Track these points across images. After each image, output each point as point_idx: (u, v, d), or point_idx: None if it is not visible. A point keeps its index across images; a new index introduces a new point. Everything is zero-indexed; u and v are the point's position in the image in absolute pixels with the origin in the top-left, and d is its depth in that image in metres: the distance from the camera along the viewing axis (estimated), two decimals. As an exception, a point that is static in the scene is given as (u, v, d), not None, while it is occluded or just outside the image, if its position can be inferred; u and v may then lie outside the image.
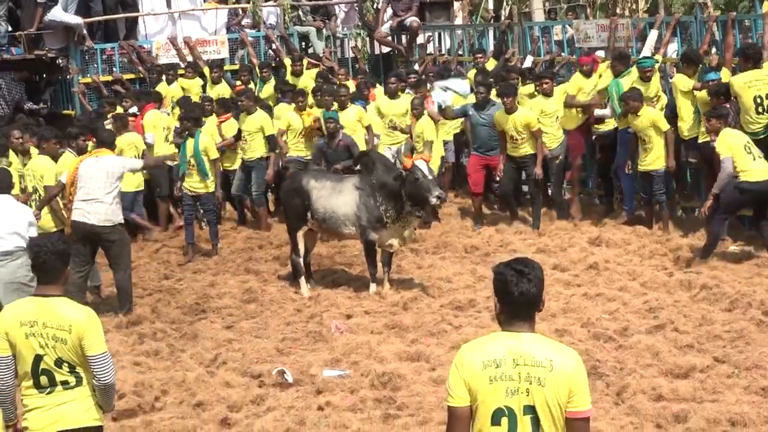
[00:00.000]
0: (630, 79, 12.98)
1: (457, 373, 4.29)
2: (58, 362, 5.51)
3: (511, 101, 13.06)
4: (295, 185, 11.35)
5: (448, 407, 4.34)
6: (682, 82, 12.54)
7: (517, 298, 4.28)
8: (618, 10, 22.67)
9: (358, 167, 11.39)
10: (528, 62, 15.71)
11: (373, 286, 11.02)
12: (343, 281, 11.63)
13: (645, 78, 12.95)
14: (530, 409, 4.23)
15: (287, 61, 16.22)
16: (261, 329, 10.14)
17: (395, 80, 14.56)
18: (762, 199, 11.12)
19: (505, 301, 4.31)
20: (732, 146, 11.02)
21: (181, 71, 15.90)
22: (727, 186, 11.04)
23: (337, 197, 11.03)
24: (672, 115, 12.67)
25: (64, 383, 5.56)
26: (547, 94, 13.62)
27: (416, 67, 17.02)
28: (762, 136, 11.57)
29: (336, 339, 9.58)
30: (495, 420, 4.25)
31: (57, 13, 15.91)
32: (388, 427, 7.49)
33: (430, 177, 10.55)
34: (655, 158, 12.44)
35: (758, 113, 11.62)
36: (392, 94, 14.45)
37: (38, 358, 5.49)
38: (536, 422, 4.24)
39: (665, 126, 12.38)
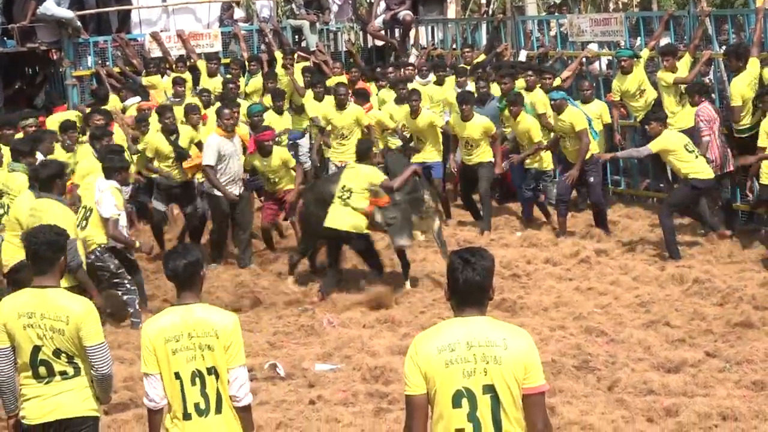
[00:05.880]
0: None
1: (412, 362, 4.41)
2: (57, 353, 5.52)
3: (469, 109, 12.98)
4: (318, 195, 11.19)
5: (405, 396, 4.44)
6: (665, 77, 12.66)
7: (462, 285, 4.43)
8: (611, 5, 22.66)
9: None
10: (522, 56, 15.71)
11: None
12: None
13: (624, 71, 13.05)
14: (490, 389, 4.34)
15: (278, 54, 16.20)
16: (253, 323, 10.13)
17: (344, 90, 13.96)
18: (706, 194, 11.71)
19: (453, 287, 4.48)
20: (672, 147, 11.27)
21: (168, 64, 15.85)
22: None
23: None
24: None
25: (63, 373, 5.56)
26: (547, 90, 13.64)
27: (411, 60, 16.97)
28: (747, 134, 11.64)
29: (328, 333, 9.60)
30: (456, 402, 4.35)
31: (49, 7, 15.86)
32: (379, 420, 7.49)
33: None
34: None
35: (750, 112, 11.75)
36: (341, 105, 13.77)
37: (37, 349, 5.50)
38: (496, 401, 4.34)
39: (537, 137, 12.87)
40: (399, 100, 14.02)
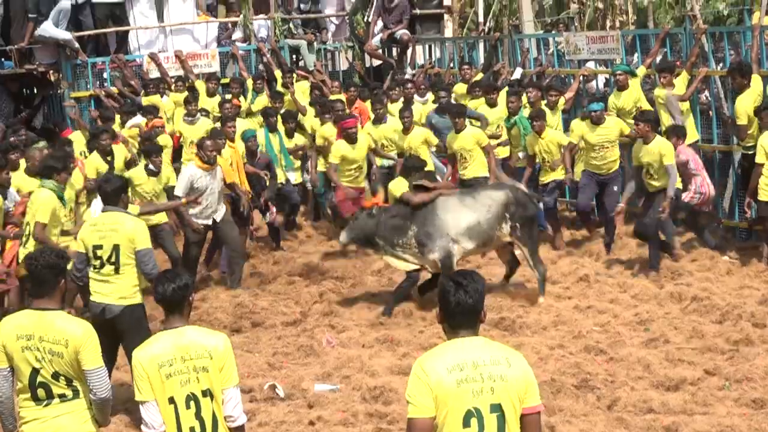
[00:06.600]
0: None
1: (421, 383, 4.39)
2: (55, 375, 5.54)
3: (462, 121, 12.97)
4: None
5: (409, 420, 4.40)
6: (662, 94, 12.68)
7: (454, 308, 4.47)
8: (608, 23, 22.73)
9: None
10: (517, 74, 15.75)
11: None
12: (334, 295, 11.61)
13: (620, 87, 13.09)
14: (497, 407, 4.36)
15: (278, 73, 16.25)
16: (252, 344, 10.12)
17: (341, 107, 13.99)
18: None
19: (445, 310, 4.51)
20: (667, 152, 11.40)
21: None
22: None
23: None
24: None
25: (62, 396, 5.58)
26: (552, 107, 13.65)
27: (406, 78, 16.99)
28: (753, 152, 11.63)
29: (327, 353, 9.59)
30: (465, 422, 4.36)
31: (47, 28, 15.91)
32: (379, 441, 7.50)
33: None
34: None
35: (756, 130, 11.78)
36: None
37: (35, 372, 5.52)
38: (502, 419, 4.37)
39: (566, 140, 12.84)
40: (376, 121, 13.97)
